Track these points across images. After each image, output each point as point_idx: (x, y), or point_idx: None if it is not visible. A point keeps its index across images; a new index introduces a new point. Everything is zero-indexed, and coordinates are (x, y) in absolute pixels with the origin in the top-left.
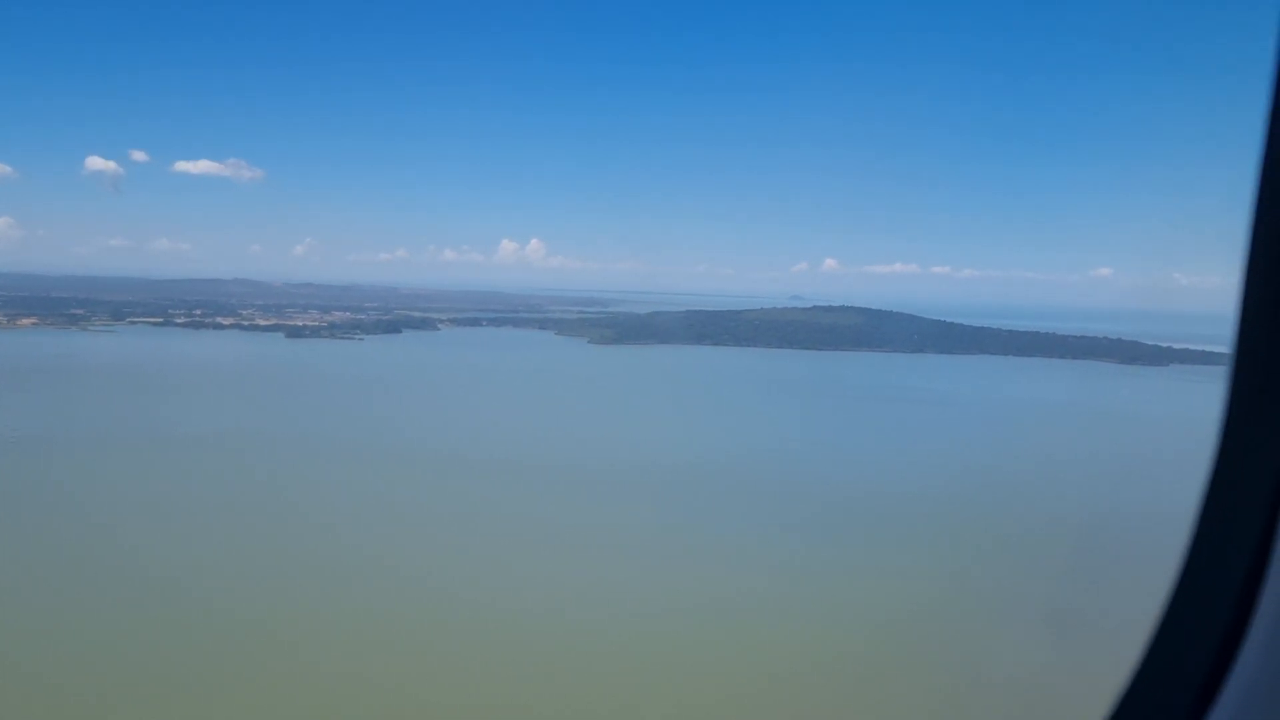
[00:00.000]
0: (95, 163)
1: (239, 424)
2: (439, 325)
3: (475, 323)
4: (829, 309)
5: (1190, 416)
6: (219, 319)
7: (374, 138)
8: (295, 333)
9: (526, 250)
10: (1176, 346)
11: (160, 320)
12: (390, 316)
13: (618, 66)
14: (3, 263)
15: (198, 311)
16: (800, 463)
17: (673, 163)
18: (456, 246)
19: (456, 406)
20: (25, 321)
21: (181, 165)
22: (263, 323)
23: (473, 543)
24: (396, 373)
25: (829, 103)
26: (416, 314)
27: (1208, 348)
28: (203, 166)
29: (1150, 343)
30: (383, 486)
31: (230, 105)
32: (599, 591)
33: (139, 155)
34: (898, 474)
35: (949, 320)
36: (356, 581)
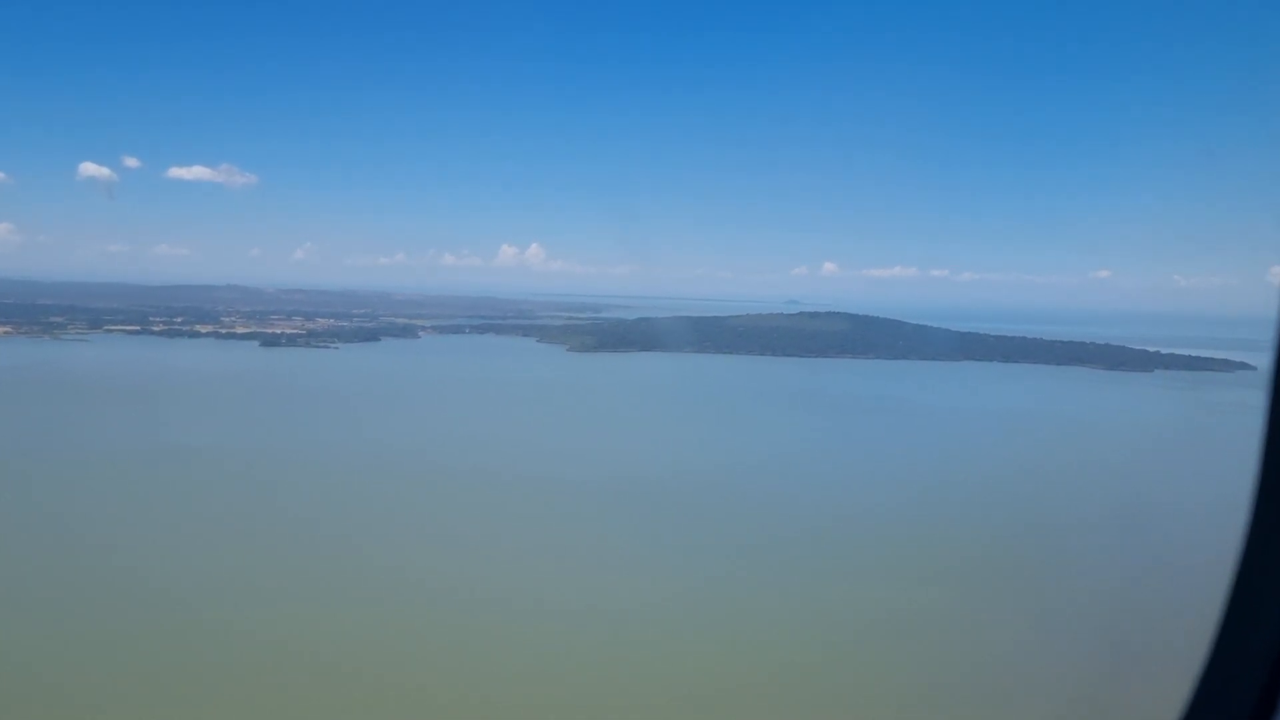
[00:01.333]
0: (89, 169)
1: (167, 436)
2: (420, 333)
3: (459, 330)
4: (815, 315)
5: (1163, 424)
6: (198, 326)
7: (372, 143)
8: (271, 341)
9: (526, 255)
10: (1164, 351)
11: (137, 328)
12: (373, 324)
13: (617, 70)
14: (2, 268)
15: (178, 319)
16: (754, 475)
17: (673, 167)
18: (456, 251)
19: (406, 417)
20: None
21: (175, 171)
22: (241, 330)
23: (405, 556)
24: (358, 382)
25: (829, 107)
26: (402, 320)
27: (1197, 351)
28: (196, 172)
29: (1137, 347)
30: (298, 500)
31: (223, 111)
32: (549, 604)
33: (132, 161)
34: (856, 488)
35: (935, 326)
36: (308, 594)
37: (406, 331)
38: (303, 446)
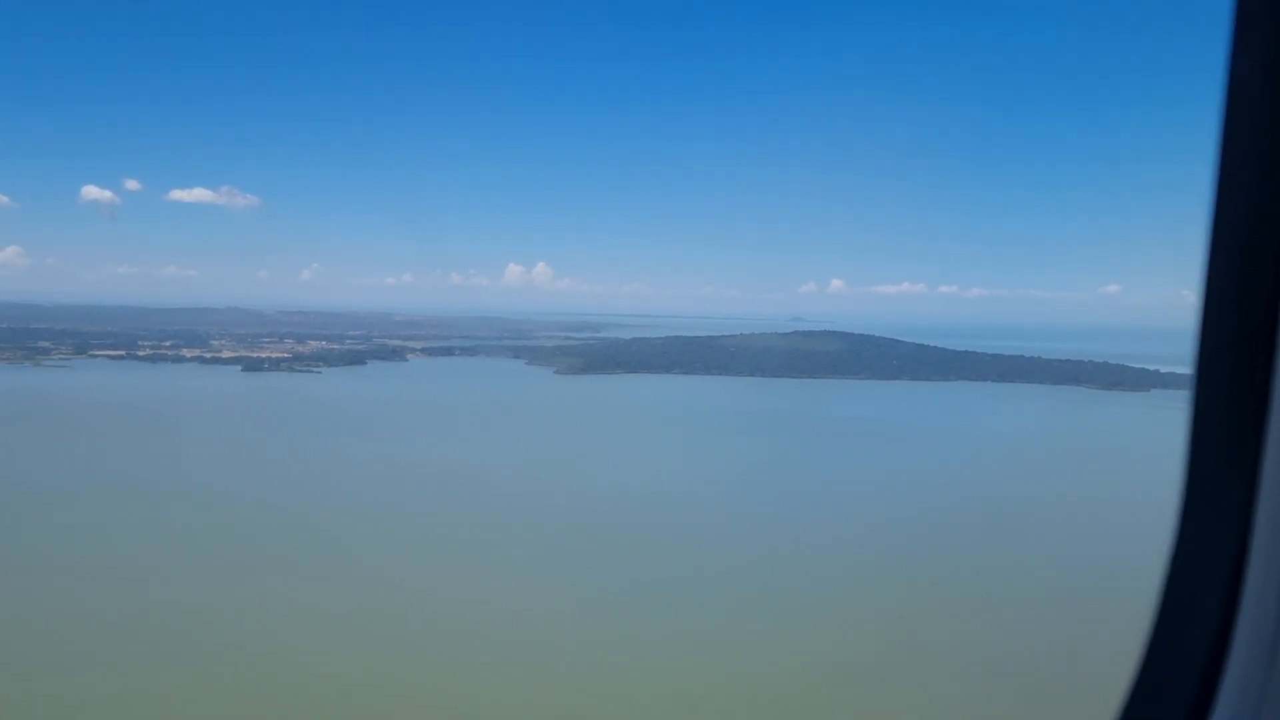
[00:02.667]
0: (91, 192)
1: (97, 467)
2: (408, 355)
3: (449, 352)
4: (809, 334)
5: (1152, 448)
6: (184, 351)
7: (377, 164)
8: (254, 366)
9: (533, 273)
10: (1164, 370)
11: (123, 353)
12: (364, 346)
13: (626, 89)
14: (8, 291)
15: (167, 343)
16: (687, 506)
17: (681, 185)
18: (463, 270)
19: (357, 446)
20: None
21: (176, 194)
22: (228, 355)
23: (320, 591)
24: (323, 408)
25: (836, 123)
26: (395, 343)
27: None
28: (197, 194)
29: (1137, 366)
30: (221, 535)
31: (223, 133)
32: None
33: (133, 184)
34: (794, 520)
35: (933, 345)
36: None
37: (395, 354)
38: (235, 477)
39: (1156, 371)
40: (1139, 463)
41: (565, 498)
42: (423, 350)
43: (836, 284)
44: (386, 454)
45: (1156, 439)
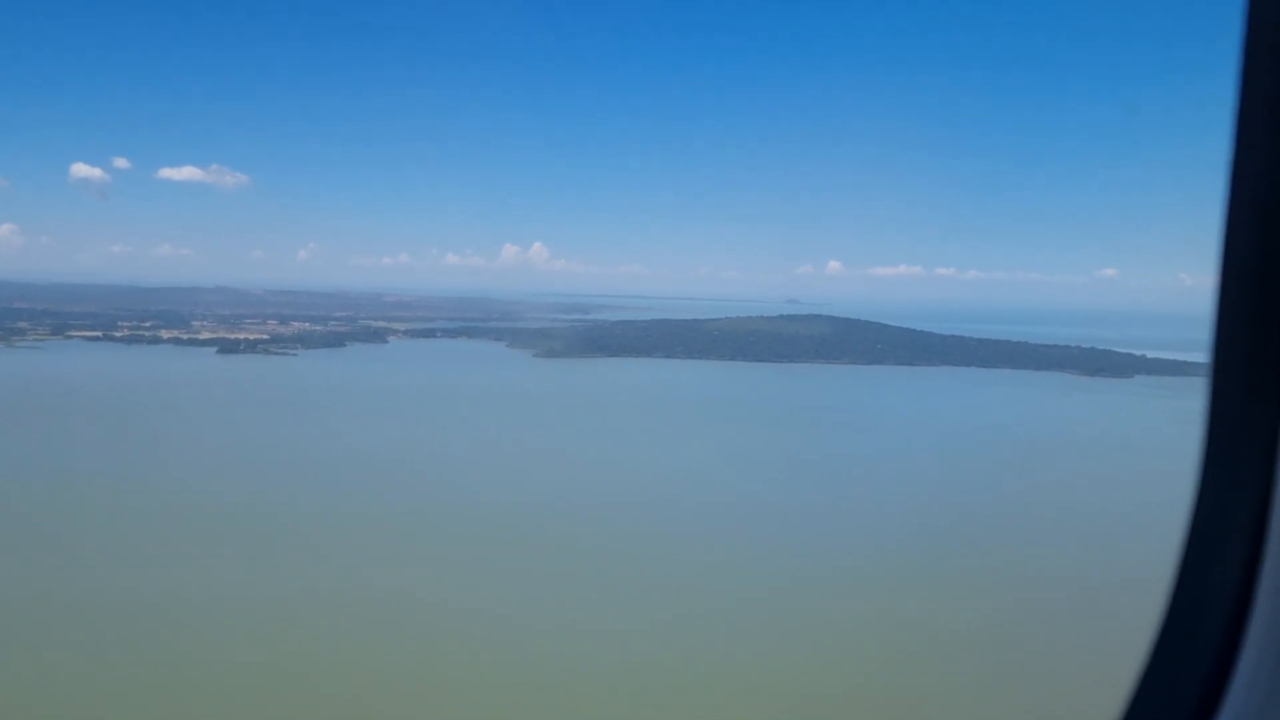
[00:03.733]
0: (81, 169)
1: (47, 455)
2: (390, 338)
3: (431, 334)
4: (794, 318)
5: (1124, 437)
6: (162, 332)
7: (372, 142)
8: (230, 347)
9: (529, 254)
10: (1150, 355)
11: (99, 334)
12: (347, 328)
13: (623, 68)
14: (2, 270)
15: (147, 324)
16: (658, 498)
17: (678, 165)
18: (460, 250)
19: (311, 431)
20: None
21: (166, 172)
22: (206, 336)
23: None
24: (288, 393)
25: (833, 104)
26: (380, 324)
27: (1184, 355)
28: (187, 173)
29: (1123, 350)
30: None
31: (211, 111)
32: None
33: (122, 162)
34: (764, 511)
35: (920, 329)
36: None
37: (376, 336)
38: (179, 462)
39: (1143, 357)
40: (1108, 452)
41: (513, 484)
42: (405, 332)
43: (834, 266)
44: (337, 440)
45: (1130, 427)
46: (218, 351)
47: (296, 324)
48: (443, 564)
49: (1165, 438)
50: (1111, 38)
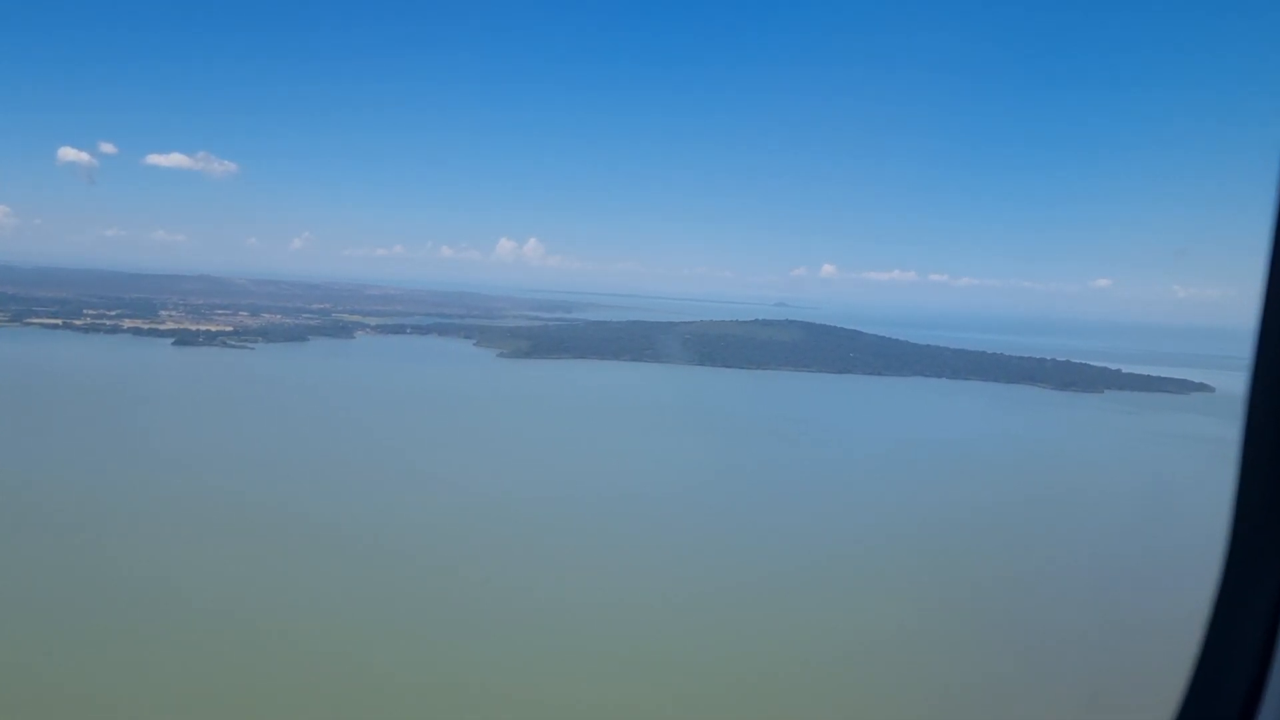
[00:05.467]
0: (68, 153)
1: None
2: (358, 332)
3: (400, 330)
4: (769, 323)
5: (1083, 456)
6: (125, 321)
7: (369, 134)
8: (188, 339)
9: (524, 249)
10: (1124, 370)
11: (59, 323)
12: (319, 321)
13: (621, 67)
14: None
15: (112, 313)
16: (573, 507)
17: (675, 165)
18: (455, 244)
19: (238, 431)
20: None
21: (154, 158)
22: (170, 326)
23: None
24: (222, 387)
25: (831, 109)
26: (355, 318)
27: (1158, 370)
28: (175, 159)
29: (1098, 365)
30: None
31: (200, 99)
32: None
33: (109, 147)
34: (669, 520)
35: (895, 337)
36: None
37: (344, 331)
38: (78, 458)
39: (1118, 372)
40: (1054, 469)
41: (423, 486)
42: (375, 327)
43: (828, 269)
44: (242, 437)
45: (1084, 445)
46: (174, 343)
47: (267, 316)
48: (325, 561)
49: (1115, 457)
50: (1108, 48)
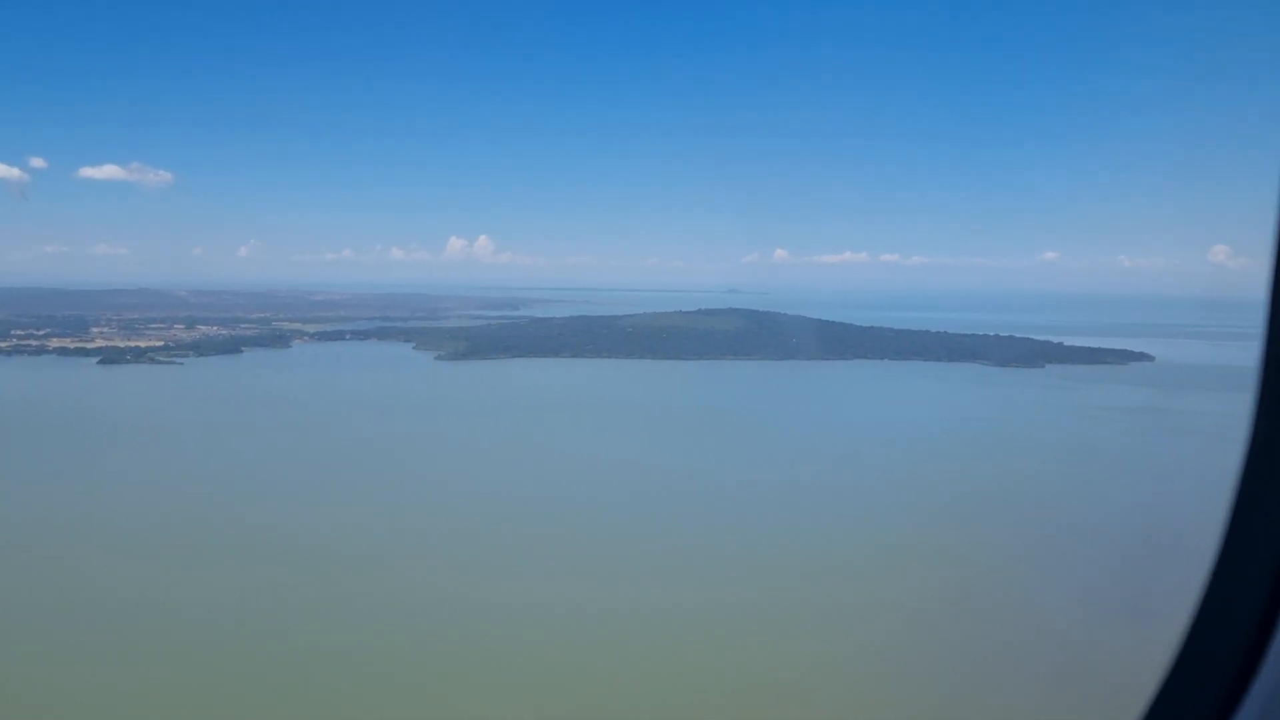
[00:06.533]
0: None
1: None
2: (294, 342)
3: (339, 336)
4: (712, 313)
5: (1013, 432)
6: (52, 341)
7: (312, 138)
8: (115, 357)
9: (475, 247)
10: (1067, 343)
11: None
12: (255, 331)
13: (568, 60)
14: None
15: (41, 332)
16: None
17: (625, 156)
18: (405, 245)
19: (124, 449)
20: None
21: (87, 171)
22: (100, 344)
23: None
24: (132, 407)
25: (779, 93)
26: (294, 325)
27: (1099, 342)
28: (108, 171)
29: (1041, 338)
30: None
31: (133, 108)
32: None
33: (39, 162)
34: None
35: (838, 321)
36: None
37: (280, 340)
38: None
39: (1060, 345)
40: (989, 450)
41: (331, 500)
42: (313, 335)
43: (780, 254)
44: (153, 461)
45: (1019, 423)
46: (99, 362)
47: (203, 328)
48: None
49: (1046, 432)
50: (1051, 18)
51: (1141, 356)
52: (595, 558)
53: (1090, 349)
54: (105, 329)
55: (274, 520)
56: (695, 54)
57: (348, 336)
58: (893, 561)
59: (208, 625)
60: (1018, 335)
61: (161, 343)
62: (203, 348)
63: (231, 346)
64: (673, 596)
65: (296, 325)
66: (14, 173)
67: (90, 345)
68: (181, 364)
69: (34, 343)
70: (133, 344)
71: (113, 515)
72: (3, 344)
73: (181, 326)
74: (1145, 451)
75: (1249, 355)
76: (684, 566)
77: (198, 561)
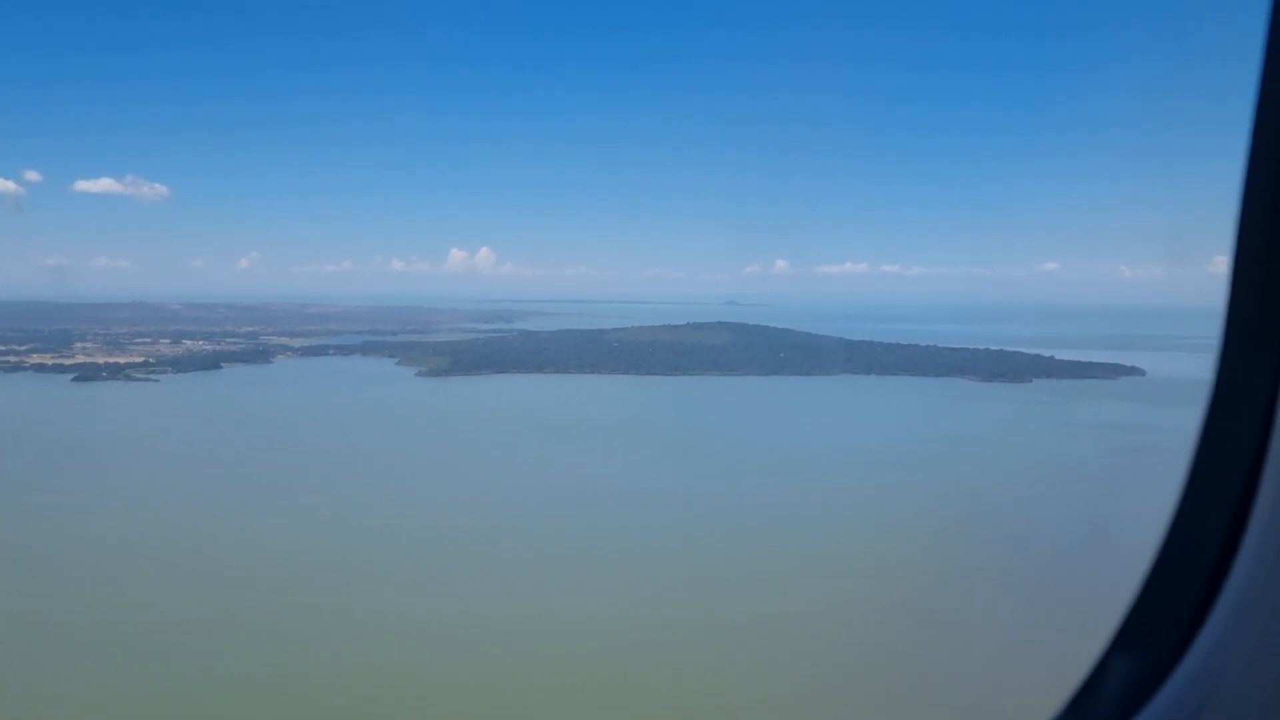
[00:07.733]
0: None
1: None
2: (276, 357)
3: (323, 351)
4: (700, 326)
5: (995, 452)
6: (32, 356)
7: (315, 149)
8: (90, 374)
9: (476, 259)
10: (1057, 357)
11: None
12: (240, 347)
13: (569, 71)
14: None
15: (24, 347)
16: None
17: (626, 167)
18: (406, 256)
19: (111, 475)
20: None
21: (82, 184)
22: (80, 360)
23: None
24: (105, 428)
25: (781, 105)
26: (280, 340)
27: (1091, 356)
28: (104, 185)
29: (1031, 352)
30: None
31: (128, 122)
32: None
33: (33, 175)
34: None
35: (827, 334)
36: None
37: (263, 356)
38: None
39: (1050, 359)
40: (965, 472)
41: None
42: (297, 350)
43: (780, 264)
44: (108, 484)
45: (998, 443)
46: (74, 379)
47: (189, 343)
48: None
49: (1024, 452)
50: (1050, 32)
51: (1132, 370)
52: (557, 573)
53: (1080, 363)
54: (89, 344)
55: (222, 541)
56: (699, 66)
57: (331, 351)
58: (854, 583)
59: (161, 647)
60: (1008, 349)
61: (142, 358)
62: (183, 364)
63: (212, 362)
64: (640, 612)
65: (284, 340)
66: (9, 186)
67: (69, 361)
68: (157, 381)
69: (14, 358)
70: (112, 360)
71: (51, 541)
72: None
73: (167, 341)
74: (1117, 470)
75: None
76: (635, 580)
77: (140, 588)
